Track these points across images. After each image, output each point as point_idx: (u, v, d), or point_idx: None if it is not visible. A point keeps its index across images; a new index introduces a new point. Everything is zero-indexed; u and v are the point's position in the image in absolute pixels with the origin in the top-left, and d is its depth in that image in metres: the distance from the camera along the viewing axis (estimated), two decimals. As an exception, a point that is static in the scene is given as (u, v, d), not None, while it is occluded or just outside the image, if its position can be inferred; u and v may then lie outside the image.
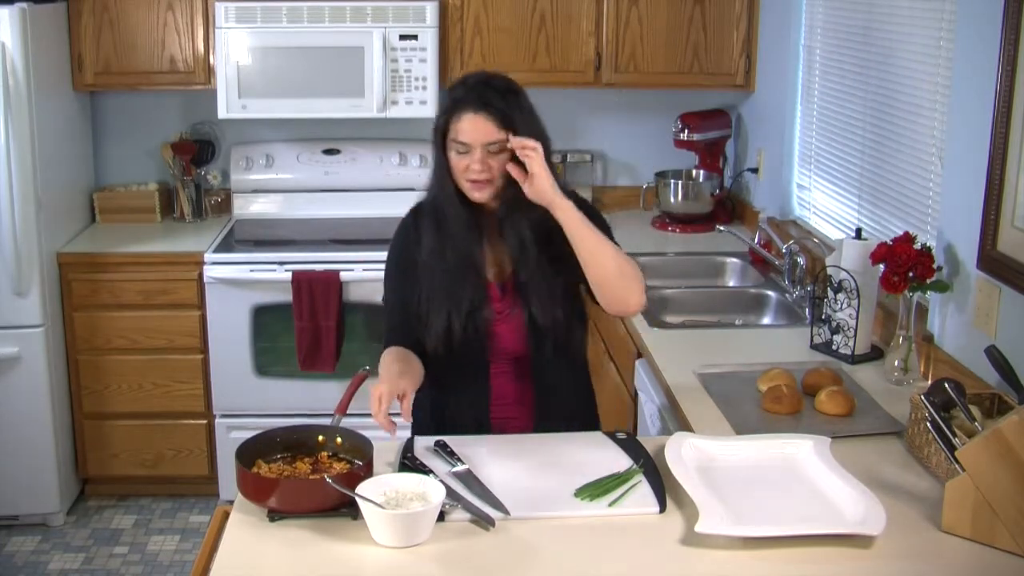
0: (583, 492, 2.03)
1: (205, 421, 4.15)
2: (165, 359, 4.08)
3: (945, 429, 2.02)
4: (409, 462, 2.13)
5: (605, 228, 2.37)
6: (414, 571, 1.82)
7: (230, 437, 4.04)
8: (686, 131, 4.30)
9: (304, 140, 4.48)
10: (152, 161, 4.52)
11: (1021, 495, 1.84)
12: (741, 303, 3.55)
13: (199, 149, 4.43)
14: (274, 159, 4.43)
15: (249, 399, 4.08)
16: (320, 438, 2.14)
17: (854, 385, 2.61)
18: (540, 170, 2.20)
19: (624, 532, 1.93)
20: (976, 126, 2.47)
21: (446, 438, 2.21)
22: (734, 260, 3.88)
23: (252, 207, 4.45)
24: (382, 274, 2.49)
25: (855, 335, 2.78)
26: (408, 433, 2.33)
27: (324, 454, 2.12)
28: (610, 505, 2.00)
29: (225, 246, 4.09)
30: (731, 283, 3.85)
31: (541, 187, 2.21)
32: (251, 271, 3.98)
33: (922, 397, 2.10)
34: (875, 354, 2.83)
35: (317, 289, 3.93)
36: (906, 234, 2.64)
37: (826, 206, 3.63)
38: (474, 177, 2.25)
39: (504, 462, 2.16)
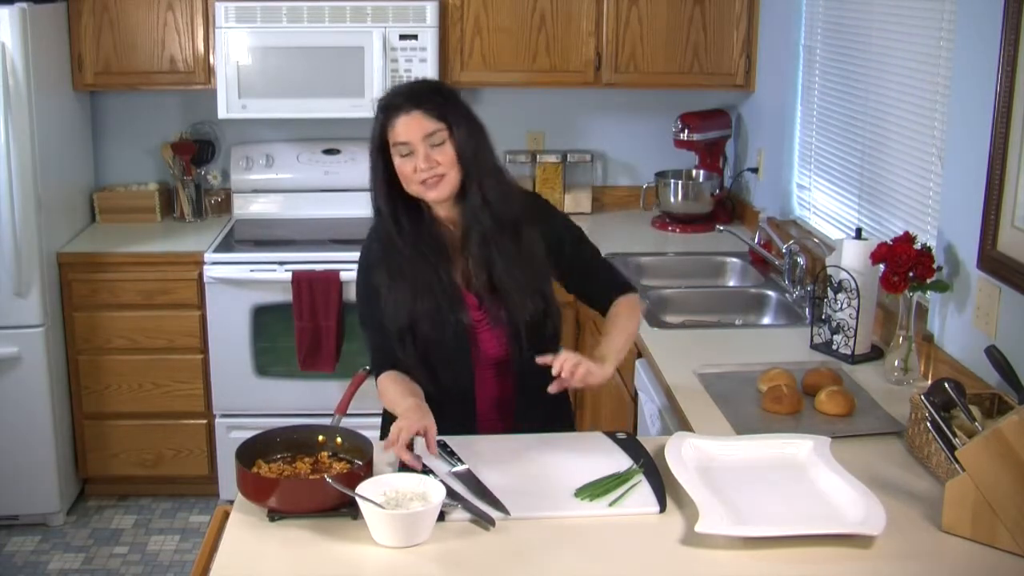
0: (583, 492, 2.03)
1: (205, 421, 4.14)
2: (165, 359, 4.08)
3: (945, 429, 2.02)
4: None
5: (570, 229, 2.43)
6: (414, 571, 1.82)
7: (230, 437, 4.04)
8: (686, 131, 4.29)
9: (304, 140, 4.48)
10: (152, 161, 4.52)
11: (1021, 495, 1.84)
12: (741, 303, 3.55)
13: (199, 149, 4.43)
14: (274, 159, 4.43)
15: (249, 399, 4.08)
16: (320, 438, 2.14)
17: (854, 385, 2.61)
18: (598, 378, 2.22)
19: (624, 532, 1.93)
20: (976, 126, 2.47)
21: (446, 438, 2.21)
22: (734, 260, 3.88)
23: (252, 207, 4.45)
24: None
25: (855, 335, 2.78)
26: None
27: (324, 454, 2.13)
28: (610, 505, 2.00)
29: (225, 246, 4.09)
30: (731, 283, 3.85)
31: (604, 380, 2.25)
32: (251, 271, 3.97)
33: (922, 397, 2.10)
34: (875, 354, 2.83)
35: (317, 289, 3.93)
36: (906, 234, 2.64)
37: (826, 206, 3.63)
38: (424, 176, 2.23)
39: (504, 462, 2.16)
